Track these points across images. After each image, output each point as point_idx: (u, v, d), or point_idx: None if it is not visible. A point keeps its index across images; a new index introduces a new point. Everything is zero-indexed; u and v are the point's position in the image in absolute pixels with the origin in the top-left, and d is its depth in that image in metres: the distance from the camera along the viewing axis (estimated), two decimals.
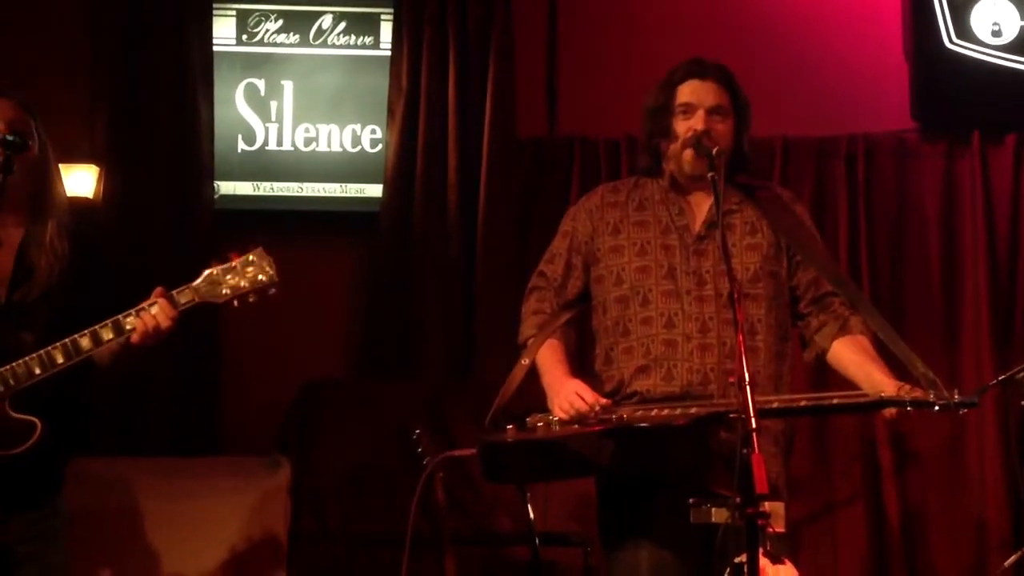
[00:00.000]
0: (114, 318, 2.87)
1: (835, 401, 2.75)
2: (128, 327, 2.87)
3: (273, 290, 2.96)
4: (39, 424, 2.84)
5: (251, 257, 2.94)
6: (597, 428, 2.71)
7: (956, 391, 2.59)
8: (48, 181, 3.03)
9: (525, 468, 2.87)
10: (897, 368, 2.79)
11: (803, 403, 2.80)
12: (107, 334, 2.87)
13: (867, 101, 5.24)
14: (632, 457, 2.68)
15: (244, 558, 4.02)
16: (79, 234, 3.05)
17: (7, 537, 2.90)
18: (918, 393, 2.60)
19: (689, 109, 2.90)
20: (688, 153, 2.88)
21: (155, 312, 2.87)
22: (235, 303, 2.93)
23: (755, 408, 2.36)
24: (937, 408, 2.57)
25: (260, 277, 2.93)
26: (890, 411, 2.67)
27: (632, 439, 2.69)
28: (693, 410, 2.72)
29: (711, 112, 2.90)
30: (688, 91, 2.92)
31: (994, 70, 5.12)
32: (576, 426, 2.76)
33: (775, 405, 2.76)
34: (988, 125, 5.14)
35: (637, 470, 2.72)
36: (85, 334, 2.86)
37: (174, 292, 2.90)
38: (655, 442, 2.68)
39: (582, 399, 2.76)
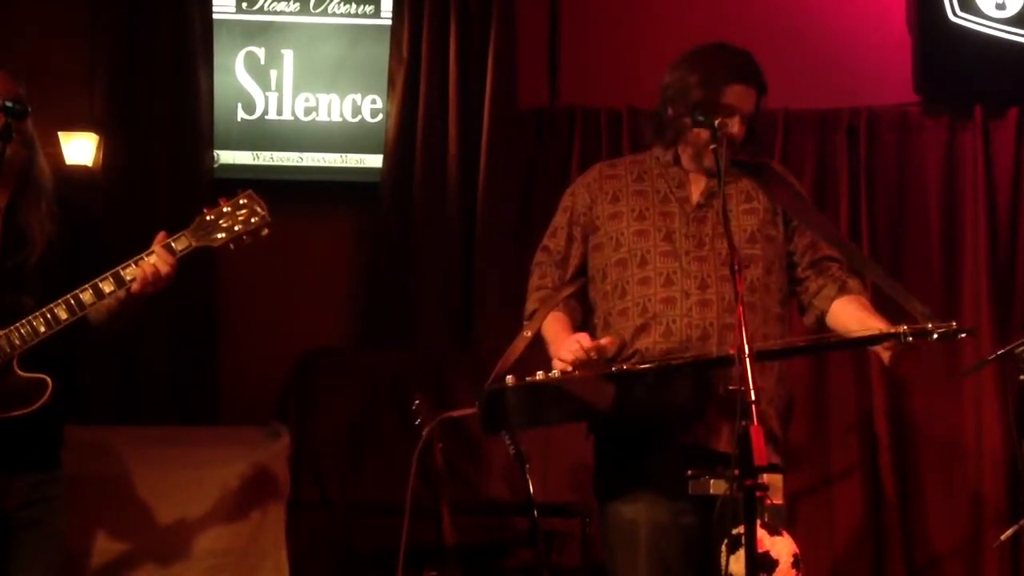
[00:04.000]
0: (113, 270, 2.89)
1: (833, 340, 2.87)
2: (128, 277, 2.89)
3: (267, 230, 2.95)
4: (50, 382, 2.86)
5: (241, 200, 2.95)
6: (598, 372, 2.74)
7: (954, 323, 2.58)
8: (35, 149, 3.04)
9: (524, 412, 2.85)
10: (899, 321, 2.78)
11: (802, 344, 2.91)
12: (108, 286, 2.89)
13: (869, 74, 5.23)
14: (633, 399, 2.70)
15: (243, 527, 4.03)
16: (66, 201, 3.06)
17: (8, 503, 2.91)
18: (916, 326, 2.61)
19: (730, 113, 2.88)
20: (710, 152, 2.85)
21: (153, 260, 2.89)
22: (231, 246, 2.94)
23: (754, 380, 2.37)
24: (936, 336, 2.57)
25: (253, 219, 2.94)
26: (888, 354, 2.68)
27: (632, 382, 2.71)
28: (691, 355, 2.77)
29: (744, 119, 2.89)
30: (734, 95, 2.88)
31: (997, 43, 5.11)
32: (577, 372, 2.77)
33: (774, 347, 2.81)
34: (990, 99, 5.13)
35: (638, 412, 2.74)
36: (86, 288, 2.88)
37: (170, 240, 2.91)
38: (655, 384, 2.70)
39: (581, 345, 2.76)
